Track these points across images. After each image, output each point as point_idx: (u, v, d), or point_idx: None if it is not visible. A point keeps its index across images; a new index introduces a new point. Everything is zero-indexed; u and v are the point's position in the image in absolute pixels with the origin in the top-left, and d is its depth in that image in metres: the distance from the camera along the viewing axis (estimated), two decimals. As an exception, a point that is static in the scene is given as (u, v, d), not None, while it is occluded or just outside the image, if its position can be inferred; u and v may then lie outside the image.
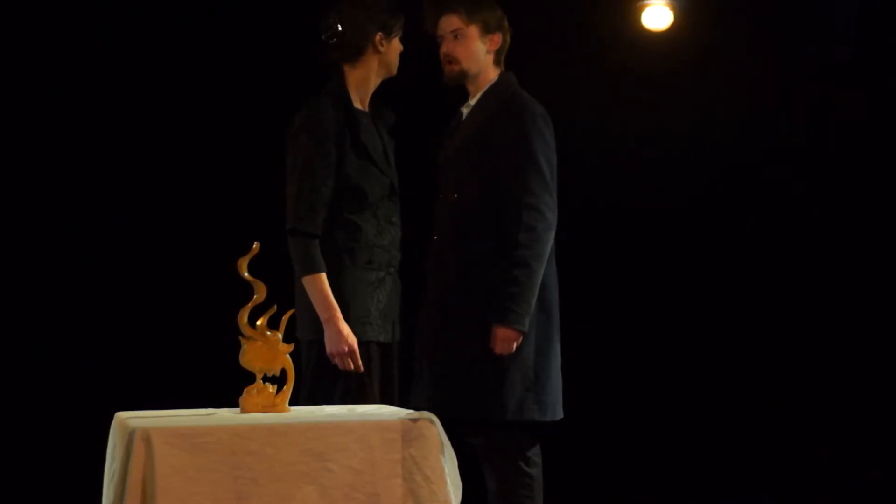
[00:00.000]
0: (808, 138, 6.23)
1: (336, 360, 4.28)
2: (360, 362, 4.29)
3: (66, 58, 5.73)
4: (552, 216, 4.41)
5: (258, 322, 3.69)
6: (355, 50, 4.45)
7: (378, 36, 4.45)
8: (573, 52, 6.15)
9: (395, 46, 4.51)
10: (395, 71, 4.54)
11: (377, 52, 4.47)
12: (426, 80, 4.91)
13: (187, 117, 5.82)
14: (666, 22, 6.17)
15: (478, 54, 4.55)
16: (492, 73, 4.58)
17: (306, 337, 4.31)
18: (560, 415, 4.50)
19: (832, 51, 6.15)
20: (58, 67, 5.72)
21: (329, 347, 4.28)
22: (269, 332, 3.69)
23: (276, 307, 3.73)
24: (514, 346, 4.34)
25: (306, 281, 4.30)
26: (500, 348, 4.34)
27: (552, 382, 4.44)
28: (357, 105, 4.46)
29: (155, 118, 5.81)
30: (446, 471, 3.56)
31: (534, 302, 4.35)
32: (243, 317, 3.67)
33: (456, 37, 4.54)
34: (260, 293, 3.68)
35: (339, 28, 4.43)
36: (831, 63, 6.15)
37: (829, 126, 6.21)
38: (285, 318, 3.76)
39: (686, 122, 6.22)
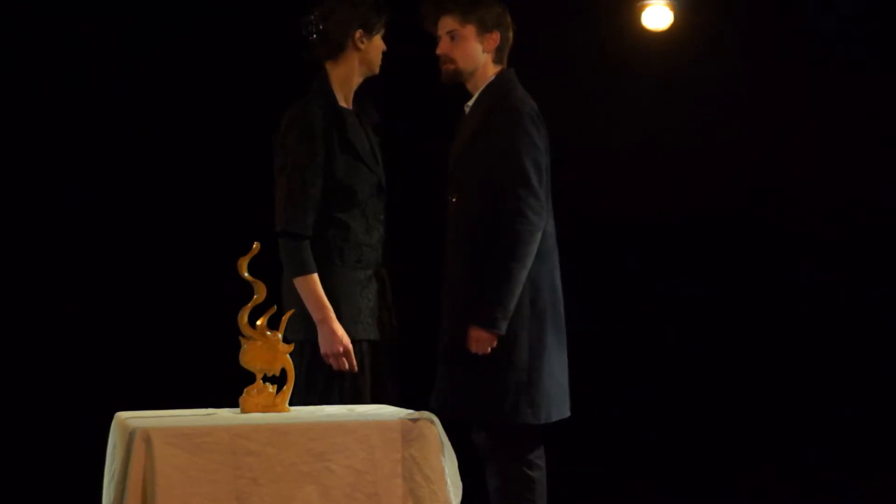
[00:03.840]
0: (808, 138, 6.23)
1: (331, 360, 4.28)
2: (354, 362, 4.29)
3: (63, 59, 5.73)
4: (537, 218, 4.37)
5: (258, 322, 3.69)
6: (335, 46, 4.45)
7: (358, 33, 4.45)
8: (573, 52, 6.15)
9: (377, 44, 4.50)
10: (377, 69, 4.53)
11: (357, 49, 4.46)
12: (416, 78, 4.92)
13: (188, 117, 5.82)
14: (666, 22, 6.17)
15: (474, 54, 4.53)
16: (490, 71, 4.56)
17: (297, 338, 4.29)
18: (556, 416, 4.46)
19: (832, 51, 6.15)
20: (56, 69, 5.72)
21: (324, 348, 4.28)
22: (269, 332, 3.70)
23: (276, 307, 3.73)
24: (489, 347, 4.32)
25: (298, 282, 4.30)
26: (474, 348, 4.33)
27: (546, 384, 4.41)
28: (342, 103, 4.47)
29: (155, 118, 5.81)
30: (446, 471, 3.56)
31: (513, 305, 4.33)
32: (243, 317, 3.67)
33: (452, 38, 4.53)
34: (260, 293, 3.68)
35: (320, 24, 4.43)
36: (832, 63, 6.15)
37: (829, 126, 6.21)
38: (285, 318, 3.76)
39: (686, 122, 6.21)
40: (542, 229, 4.39)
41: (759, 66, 6.20)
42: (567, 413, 4.50)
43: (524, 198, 4.35)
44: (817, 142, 6.22)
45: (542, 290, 4.43)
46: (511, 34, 4.59)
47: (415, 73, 4.87)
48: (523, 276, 4.34)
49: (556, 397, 4.46)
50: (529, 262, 4.35)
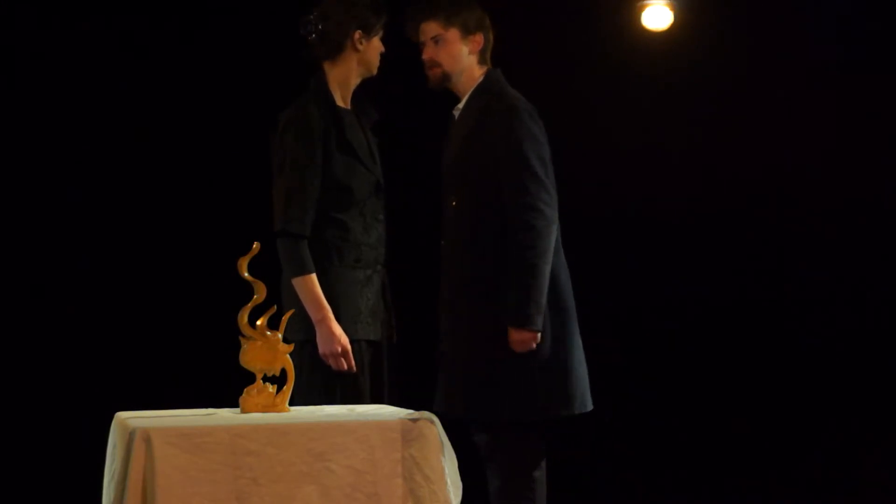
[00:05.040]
0: (808, 138, 6.23)
1: (330, 360, 4.28)
2: (353, 362, 4.29)
3: (63, 59, 5.73)
4: (551, 211, 4.38)
5: (258, 322, 3.69)
6: (334, 46, 4.45)
7: (357, 34, 4.45)
8: (573, 52, 6.15)
9: (375, 46, 4.50)
10: (375, 71, 4.53)
11: (356, 50, 4.46)
12: (415, 78, 4.92)
13: (187, 117, 5.83)
14: (666, 22, 6.18)
15: (460, 57, 4.53)
16: (477, 73, 4.56)
17: (297, 338, 4.29)
18: (588, 407, 4.48)
19: (832, 50, 6.15)
20: (56, 69, 5.72)
21: (322, 348, 4.28)
22: (269, 332, 3.69)
23: (276, 307, 3.73)
24: (534, 345, 4.34)
25: (297, 282, 4.30)
26: (518, 349, 4.34)
27: (576, 374, 4.44)
28: (340, 103, 4.47)
29: (155, 118, 5.81)
30: (446, 471, 3.55)
31: (544, 300, 4.34)
32: (243, 317, 3.67)
33: (436, 42, 4.53)
34: (260, 293, 3.68)
35: (319, 24, 4.43)
36: (832, 63, 6.15)
37: (829, 126, 6.21)
38: (285, 318, 3.76)
39: (686, 122, 6.22)
40: (556, 222, 4.40)
41: (759, 66, 6.20)
42: (590, 405, 4.51)
43: (535, 192, 4.36)
44: (817, 142, 6.22)
45: (560, 284, 4.44)
46: (491, 36, 4.59)
47: (414, 74, 4.87)
48: (548, 270, 4.35)
49: (583, 389, 4.48)
50: (550, 256, 4.37)
